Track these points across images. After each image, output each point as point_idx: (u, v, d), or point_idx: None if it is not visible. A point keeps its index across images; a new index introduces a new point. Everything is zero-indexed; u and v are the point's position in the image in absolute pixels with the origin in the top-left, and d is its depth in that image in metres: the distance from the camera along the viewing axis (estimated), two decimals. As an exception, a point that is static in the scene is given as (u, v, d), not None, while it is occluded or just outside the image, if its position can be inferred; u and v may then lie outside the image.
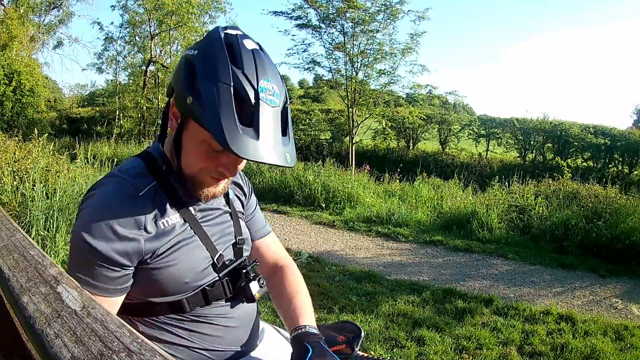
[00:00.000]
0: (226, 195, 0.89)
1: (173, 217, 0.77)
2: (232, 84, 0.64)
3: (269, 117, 0.66)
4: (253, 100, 0.65)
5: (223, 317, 0.82)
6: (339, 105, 14.74)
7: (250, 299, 0.85)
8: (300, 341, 0.79)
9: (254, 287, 0.84)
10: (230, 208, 0.88)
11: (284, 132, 0.70)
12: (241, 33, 0.72)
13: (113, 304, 0.74)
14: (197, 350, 0.80)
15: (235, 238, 0.87)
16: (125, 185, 0.74)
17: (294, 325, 0.83)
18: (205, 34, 0.74)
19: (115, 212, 0.71)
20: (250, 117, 0.65)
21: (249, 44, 0.70)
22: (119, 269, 0.72)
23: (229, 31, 0.71)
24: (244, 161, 0.74)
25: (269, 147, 0.65)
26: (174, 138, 0.75)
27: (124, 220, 0.71)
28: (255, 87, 0.66)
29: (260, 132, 0.65)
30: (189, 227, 0.78)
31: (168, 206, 0.77)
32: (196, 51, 0.70)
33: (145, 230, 0.73)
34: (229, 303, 0.83)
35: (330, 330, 1.09)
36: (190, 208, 0.80)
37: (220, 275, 0.81)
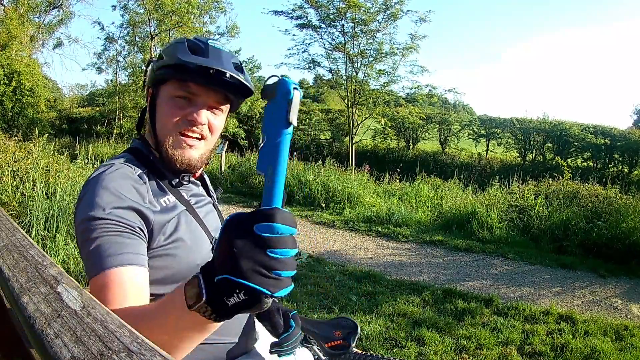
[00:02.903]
0: (206, 188, 0.95)
1: (170, 197, 0.81)
2: (185, 41, 0.81)
3: (218, 53, 0.80)
4: (203, 46, 0.80)
5: None
6: (339, 105, 14.76)
7: None
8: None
9: None
10: (212, 200, 0.94)
11: (239, 70, 0.81)
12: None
13: (147, 274, 0.69)
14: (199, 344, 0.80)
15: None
16: (122, 167, 0.77)
17: None
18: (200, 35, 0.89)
19: (118, 186, 0.72)
20: (202, 52, 0.79)
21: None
22: (136, 234, 0.70)
23: None
24: (204, 112, 0.81)
25: (218, 63, 0.78)
26: (148, 109, 0.85)
27: (128, 191, 0.72)
28: (205, 41, 0.81)
29: (209, 56, 0.79)
30: (186, 210, 0.81)
31: (164, 187, 0.81)
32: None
33: (150, 203, 0.75)
34: None
35: (327, 326, 1.10)
36: (183, 193, 0.84)
37: None
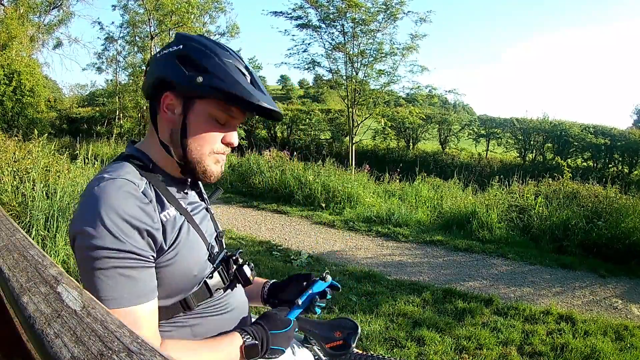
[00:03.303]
0: (199, 193, 0.95)
1: (171, 209, 0.79)
2: (231, 60, 0.78)
3: (260, 82, 0.81)
4: (246, 71, 0.80)
5: (222, 308, 0.86)
6: (339, 105, 14.76)
7: (247, 281, 0.93)
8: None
9: (247, 270, 0.92)
10: (205, 204, 0.94)
11: None
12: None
13: (157, 303, 0.73)
14: None
15: (216, 231, 0.92)
16: (124, 184, 0.73)
17: (263, 282, 1.08)
18: (175, 36, 0.83)
19: (126, 209, 0.70)
20: (252, 82, 0.80)
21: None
22: (150, 264, 0.71)
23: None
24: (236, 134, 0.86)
25: (272, 101, 0.81)
26: (181, 125, 0.79)
27: (137, 214, 0.70)
28: (244, 62, 0.81)
29: (263, 91, 0.80)
30: (185, 221, 0.81)
31: (164, 200, 0.79)
32: (180, 46, 0.79)
33: (157, 223, 0.74)
34: (227, 292, 0.88)
35: (327, 326, 1.10)
36: (181, 201, 0.84)
37: (214, 265, 0.85)
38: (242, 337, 0.79)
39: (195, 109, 0.79)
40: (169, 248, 0.76)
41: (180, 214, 0.80)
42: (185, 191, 0.87)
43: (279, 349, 0.83)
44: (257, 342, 0.79)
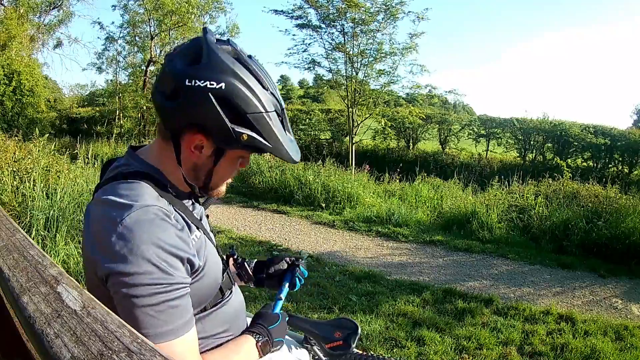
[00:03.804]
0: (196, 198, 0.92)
1: (195, 230, 0.77)
2: (274, 109, 0.74)
3: (285, 114, 0.78)
4: (281, 111, 0.76)
5: (226, 302, 0.88)
6: (339, 105, 14.71)
7: (250, 277, 1.05)
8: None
9: (247, 267, 1.03)
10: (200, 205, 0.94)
11: None
12: (231, 42, 0.75)
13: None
14: (208, 348, 0.83)
15: (212, 232, 0.93)
16: (158, 212, 0.69)
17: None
18: (208, 53, 0.70)
19: (168, 240, 0.67)
20: (284, 123, 0.77)
21: (245, 53, 0.75)
22: (188, 289, 0.70)
23: (225, 46, 0.72)
24: None
25: (296, 145, 0.80)
26: (212, 168, 0.77)
27: (178, 244, 0.68)
28: (278, 97, 0.75)
29: (291, 134, 0.79)
30: (203, 233, 0.81)
31: (188, 221, 0.77)
32: (221, 85, 0.68)
33: (190, 248, 0.72)
34: (231, 291, 0.90)
35: (327, 326, 1.10)
36: (194, 214, 0.83)
37: (223, 267, 0.88)
38: (255, 338, 0.86)
39: (227, 155, 0.76)
40: (202, 267, 0.76)
41: (198, 229, 0.79)
42: (192, 201, 0.85)
43: (280, 340, 0.91)
44: (266, 338, 0.87)
